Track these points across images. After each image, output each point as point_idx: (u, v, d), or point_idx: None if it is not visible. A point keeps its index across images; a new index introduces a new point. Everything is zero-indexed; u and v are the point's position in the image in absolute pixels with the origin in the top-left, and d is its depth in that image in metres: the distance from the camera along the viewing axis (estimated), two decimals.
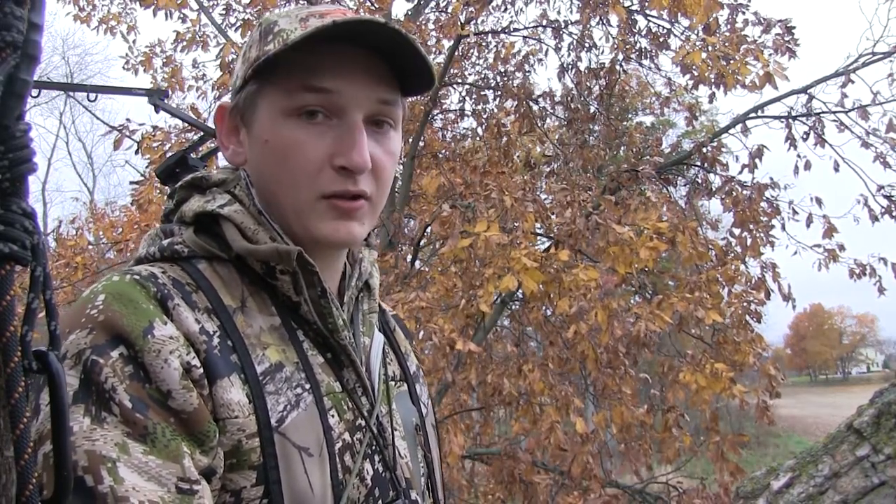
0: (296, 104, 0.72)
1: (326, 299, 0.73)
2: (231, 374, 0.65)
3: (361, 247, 0.87)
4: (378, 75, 0.74)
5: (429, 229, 5.87)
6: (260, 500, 0.64)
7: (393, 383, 0.85)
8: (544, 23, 5.99)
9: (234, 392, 0.64)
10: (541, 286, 3.67)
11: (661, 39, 5.80)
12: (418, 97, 4.83)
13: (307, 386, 0.70)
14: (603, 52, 6.19)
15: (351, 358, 0.76)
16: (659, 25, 5.78)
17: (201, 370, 0.63)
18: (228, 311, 0.69)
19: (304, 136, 0.72)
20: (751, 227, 5.44)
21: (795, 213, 5.67)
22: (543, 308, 4.61)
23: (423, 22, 6.03)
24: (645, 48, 5.95)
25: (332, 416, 0.71)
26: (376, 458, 0.74)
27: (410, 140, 5.43)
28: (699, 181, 6.40)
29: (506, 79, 6.15)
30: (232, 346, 0.67)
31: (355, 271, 0.85)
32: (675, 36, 5.66)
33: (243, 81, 0.76)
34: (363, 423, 0.74)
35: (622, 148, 7.42)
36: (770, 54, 4.96)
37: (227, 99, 0.82)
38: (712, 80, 5.05)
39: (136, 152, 5.22)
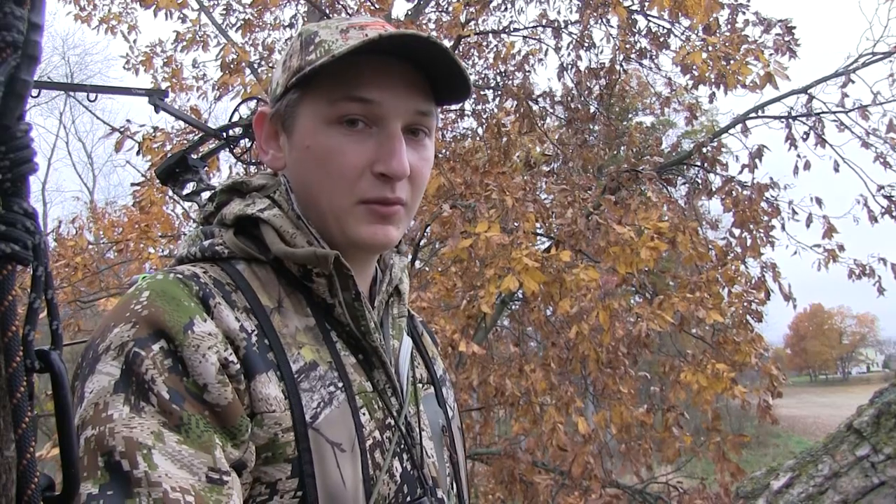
0: (338, 112, 0.74)
1: (360, 302, 0.76)
2: (268, 370, 0.68)
3: (392, 253, 0.90)
4: (416, 86, 0.77)
5: (428, 229, 5.86)
6: (294, 493, 0.66)
7: (420, 385, 0.88)
8: (544, 23, 5.99)
9: (271, 388, 0.67)
10: (542, 286, 3.66)
11: (662, 39, 5.80)
12: None
13: (340, 385, 0.73)
14: (603, 51, 6.20)
15: (382, 359, 0.78)
16: (659, 26, 5.78)
17: (239, 366, 0.66)
18: (266, 310, 0.72)
19: (345, 143, 0.75)
20: (751, 227, 5.44)
21: (795, 213, 5.66)
22: (544, 308, 4.61)
23: (424, 22, 6.02)
24: (645, 48, 5.95)
25: (364, 414, 0.74)
26: (405, 456, 0.77)
27: None
28: (699, 181, 6.39)
29: (506, 79, 6.15)
30: (269, 345, 0.70)
31: (386, 276, 0.87)
32: (676, 36, 5.67)
33: (284, 89, 0.78)
34: (392, 422, 0.77)
35: (622, 148, 7.42)
36: (770, 54, 4.95)
37: (263, 106, 0.85)
38: (712, 80, 5.05)
39: (138, 153, 5.21)
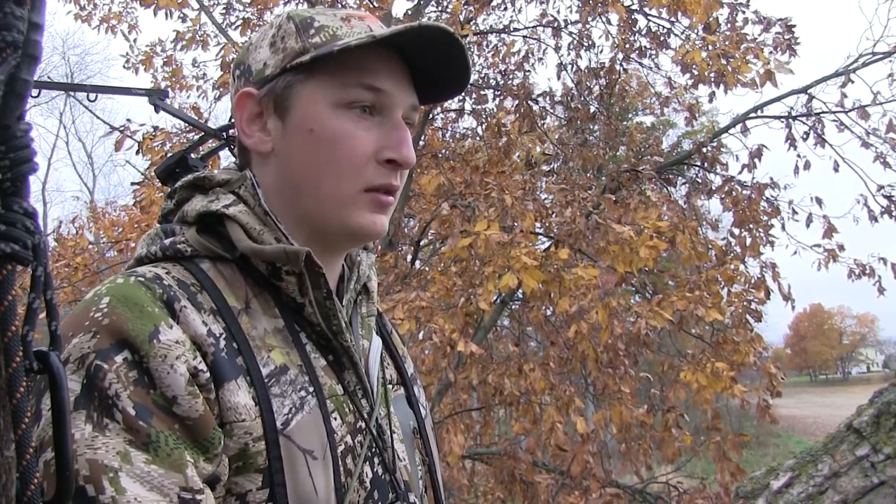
0: (349, 98, 0.74)
1: (332, 300, 0.73)
2: (238, 377, 0.65)
3: (359, 249, 0.88)
4: (410, 82, 0.79)
5: (429, 229, 5.87)
6: (265, 503, 0.63)
7: (391, 386, 0.85)
8: (544, 22, 5.99)
9: (240, 395, 0.64)
10: (541, 285, 3.66)
11: (661, 38, 5.80)
12: None
13: (311, 389, 0.70)
14: (603, 51, 6.19)
15: (353, 360, 0.76)
16: (659, 25, 5.78)
17: (208, 374, 0.63)
18: (233, 312, 0.69)
19: (355, 128, 0.74)
20: (750, 226, 5.44)
21: (795, 213, 5.66)
22: (544, 308, 4.61)
23: (423, 21, 6.01)
24: (645, 47, 5.95)
25: (335, 418, 0.71)
26: (376, 460, 0.75)
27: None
28: (699, 181, 6.40)
29: (506, 78, 6.15)
30: (237, 349, 0.66)
31: (353, 274, 0.85)
32: (675, 35, 5.66)
33: (282, 69, 0.75)
34: (363, 425, 0.74)
35: (622, 148, 7.42)
36: (770, 52, 4.95)
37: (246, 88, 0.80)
38: (712, 79, 5.04)
39: (137, 153, 5.21)
